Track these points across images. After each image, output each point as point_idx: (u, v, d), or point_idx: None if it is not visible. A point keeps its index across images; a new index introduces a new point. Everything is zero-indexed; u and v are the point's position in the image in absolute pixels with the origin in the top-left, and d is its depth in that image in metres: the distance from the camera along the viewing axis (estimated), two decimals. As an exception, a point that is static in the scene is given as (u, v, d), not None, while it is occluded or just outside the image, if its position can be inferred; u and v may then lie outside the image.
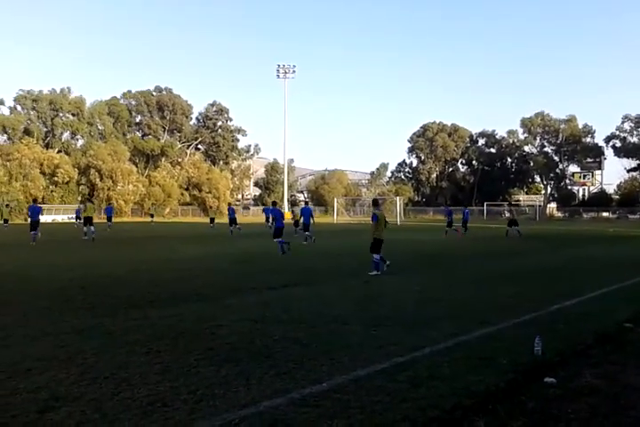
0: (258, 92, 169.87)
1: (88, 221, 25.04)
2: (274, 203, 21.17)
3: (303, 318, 7.23)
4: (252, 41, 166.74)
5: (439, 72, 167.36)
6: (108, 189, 66.48)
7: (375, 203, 13.62)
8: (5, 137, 73.13)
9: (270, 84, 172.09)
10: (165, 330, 6.46)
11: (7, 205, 44.59)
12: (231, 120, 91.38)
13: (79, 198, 65.61)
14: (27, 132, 72.13)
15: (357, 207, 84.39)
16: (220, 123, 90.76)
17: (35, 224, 22.86)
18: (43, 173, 63.84)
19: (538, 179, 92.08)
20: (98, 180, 66.57)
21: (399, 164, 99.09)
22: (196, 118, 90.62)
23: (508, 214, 38.12)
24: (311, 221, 22.39)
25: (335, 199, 63.20)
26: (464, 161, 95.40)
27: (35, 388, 4.37)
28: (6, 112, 74.79)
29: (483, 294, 9.49)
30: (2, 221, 37.30)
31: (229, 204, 42.19)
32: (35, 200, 27.52)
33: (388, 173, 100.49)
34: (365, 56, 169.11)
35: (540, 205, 79.12)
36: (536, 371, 4.91)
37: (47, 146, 72.66)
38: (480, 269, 13.62)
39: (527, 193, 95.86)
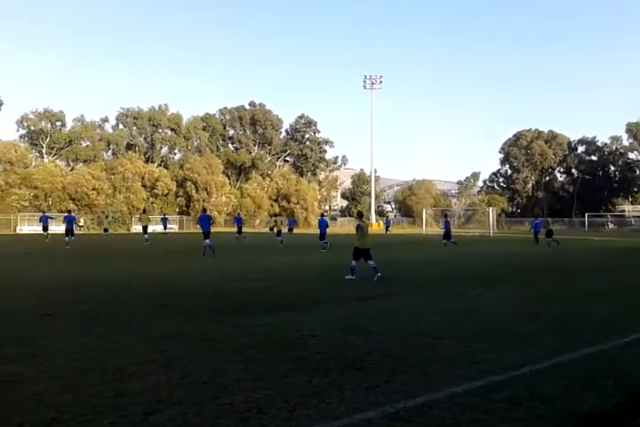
0: (345, 103, 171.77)
1: (144, 229, 31.32)
2: (204, 210, 24.24)
3: (393, 330, 7.14)
4: (339, 53, 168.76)
5: (531, 77, 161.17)
6: (203, 200, 69.69)
7: (360, 215, 14.69)
8: (110, 152, 78.58)
9: (357, 95, 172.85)
10: (259, 338, 6.60)
11: (107, 216, 48.09)
12: (319, 132, 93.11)
13: (177, 210, 69.26)
14: (129, 147, 77.09)
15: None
16: (307, 135, 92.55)
17: (45, 229, 32.15)
18: (144, 185, 68.01)
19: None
20: (194, 192, 70.08)
21: (492, 173, 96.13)
22: (285, 131, 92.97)
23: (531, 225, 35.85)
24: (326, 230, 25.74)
25: (424, 210, 62.16)
26: (562, 169, 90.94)
27: (140, 390, 4.59)
28: (110, 129, 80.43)
29: (584, 309, 8.96)
30: (102, 231, 39.93)
31: (238, 214, 43.40)
32: (43, 211, 35.89)
33: (480, 183, 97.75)
34: (452, 63, 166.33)
35: (646, 216, 73.77)
36: (648, 395, 4.55)
37: (148, 160, 77.21)
38: (580, 283, 12.86)
39: (632, 203, 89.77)
